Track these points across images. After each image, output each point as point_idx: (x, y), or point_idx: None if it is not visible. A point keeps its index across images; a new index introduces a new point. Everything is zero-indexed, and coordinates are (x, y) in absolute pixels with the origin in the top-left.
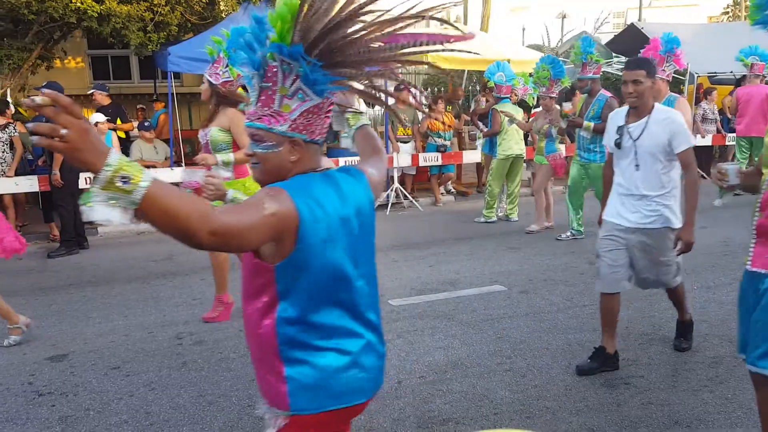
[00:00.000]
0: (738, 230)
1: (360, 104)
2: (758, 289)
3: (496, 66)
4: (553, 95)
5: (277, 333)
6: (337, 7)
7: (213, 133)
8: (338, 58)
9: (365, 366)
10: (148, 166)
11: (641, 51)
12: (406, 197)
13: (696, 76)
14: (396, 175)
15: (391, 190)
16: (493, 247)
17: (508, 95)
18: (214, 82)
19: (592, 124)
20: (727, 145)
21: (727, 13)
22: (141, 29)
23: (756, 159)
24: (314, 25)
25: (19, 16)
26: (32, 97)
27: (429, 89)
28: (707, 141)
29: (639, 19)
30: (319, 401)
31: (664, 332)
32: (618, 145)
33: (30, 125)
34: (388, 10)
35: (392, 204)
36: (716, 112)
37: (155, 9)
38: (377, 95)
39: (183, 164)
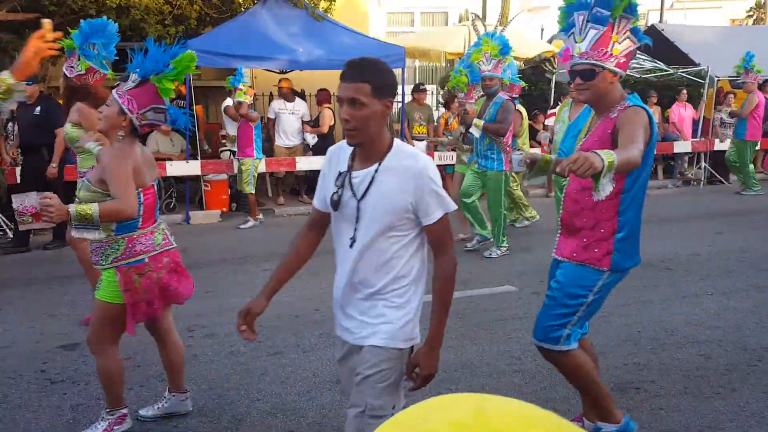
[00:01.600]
0: (755, 237)
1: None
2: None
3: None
4: (472, 101)
5: None
6: None
7: (67, 130)
8: None
9: None
10: (164, 159)
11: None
12: None
13: (717, 79)
14: None
15: None
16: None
17: (518, 96)
18: (69, 75)
19: (482, 122)
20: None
21: (751, 15)
22: (159, 22)
23: None
24: None
25: (41, 7)
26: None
27: (445, 87)
28: (725, 146)
29: (660, 21)
30: None
31: (677, 338)
32: (335, 204)
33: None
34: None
35: None
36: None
37: (174, 2)
38: None
39: (199, 157)
